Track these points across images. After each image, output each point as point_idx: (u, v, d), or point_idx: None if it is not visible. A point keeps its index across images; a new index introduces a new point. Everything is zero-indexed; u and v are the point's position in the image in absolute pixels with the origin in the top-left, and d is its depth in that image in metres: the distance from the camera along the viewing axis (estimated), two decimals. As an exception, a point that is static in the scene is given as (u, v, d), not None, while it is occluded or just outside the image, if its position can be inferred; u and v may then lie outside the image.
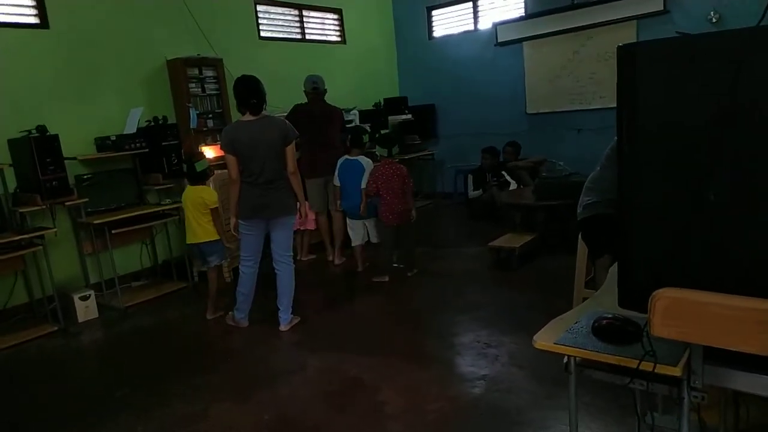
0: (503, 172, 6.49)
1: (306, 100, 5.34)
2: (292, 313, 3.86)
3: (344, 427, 2.61)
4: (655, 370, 1.26)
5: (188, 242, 4.25)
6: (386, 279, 4.69)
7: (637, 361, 1.28)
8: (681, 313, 1.13)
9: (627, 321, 1.51)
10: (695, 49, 1.10)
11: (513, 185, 6.31)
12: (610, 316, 1.54)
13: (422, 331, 3.69)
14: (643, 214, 1.18)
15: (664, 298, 1.13)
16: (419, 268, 4.89)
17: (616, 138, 2.99)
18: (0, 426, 2.91)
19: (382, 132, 5.27)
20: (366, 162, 4.91)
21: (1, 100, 4.29)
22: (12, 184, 4.30)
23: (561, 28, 6.78)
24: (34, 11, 4.56)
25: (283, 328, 3.80)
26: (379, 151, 4.88)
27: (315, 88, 5.29)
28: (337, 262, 5.41)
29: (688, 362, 1.33)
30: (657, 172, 1.15)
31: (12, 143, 4.28)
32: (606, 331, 1.50)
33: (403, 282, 4.69)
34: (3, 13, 4.40)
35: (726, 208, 1.09)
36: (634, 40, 6.30)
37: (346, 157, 4.97)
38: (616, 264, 2.08)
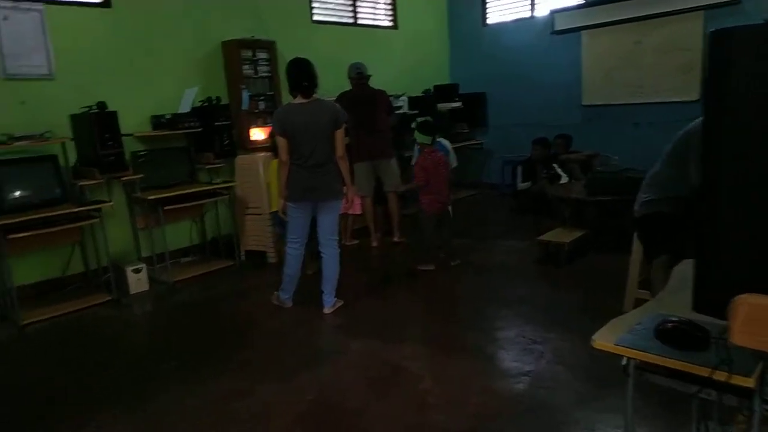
0: (554, 165, 6.31)
1: (350, 88, 5.37)
2: (335, 297, 3.88)
3: (385, 414, 2.60)
4: (728, 381, 1.18)
5: None
6: (432, 267, 4.65)
7: (709, 369, 1.20)
8: (764, 321, 1.05)
9: (694, 325, 1.43)
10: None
11: (564, 179, 6.13)
12: (675, 319, 1.47)
13: (466, 323, 3.65)
14: (728, 211, 1.10)
15: (747, 304, 1.05)
16: (462, 259, 4.83)
17: (680, 133, 2.88)
18: (52, 391, 3.04)
19: (421, 119, 5.17)
20: (447, 143, 5.49)
21: (66, 77, 4.44)
22: (73, 157, 4.46)
23: (623, 17, 6.51)
24: (98, -10, 4.69)
25: (326, 310, 3.83)
26: (420, 138, 4.68)
27: (359, 73, 5.30)
28: (396, 239, 5.51)
29: (762, 374, 1.25)
30: (746, 166, 1.06)
31: (74, 118, 4.43)
32: (671, 335, 1.43)
33: (447, 272, 4.65)
34: (69, -8, 4.54)
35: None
36: (701, 32, 6.02)
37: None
38: (681, 264, 1.99)
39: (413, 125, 4.99)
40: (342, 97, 5.12)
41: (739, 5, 5.73)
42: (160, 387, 2.94)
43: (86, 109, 4.27)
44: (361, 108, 5.13)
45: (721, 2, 5.82)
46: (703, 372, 1.24)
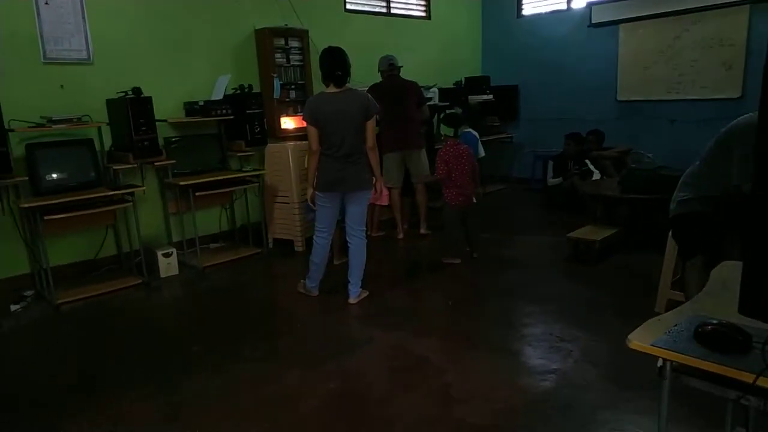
0: (587, 161, 6.20)
1: (381, 80, 5.36)
2: (361, 287, 3.88)
3: (409, 405, 2.59)
4: (772, 387, 1.13)
5: None
6: (458, 261, 4.63)
7: (752, 375, 1.16)
8: (816, 327, 1.00)
9: (736, 329, 1.38)
10: None
11: (596, 175, 6.02)
12: (715, 321, 1.42)
13: (492, 318, 3.61)
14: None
15: (798, 308, 1.01)
16: (490, 253, 4.79)
17: (723, 130, 2.79)
18: (84, 368, 3.12)
19: (448, 111, 5.22)
20: (475, 133, 5.94)
21: (102, 62, 4.51)
22: (108, 142, 4.54)
23: (663, 11, 6.32)
24: (135, -23, 4.75)
25: (352, 300, 3.83)
26: (444, 130, 4.71)
27: (391, 65, 5.32)
28: (423, 231, 5.50)
29: (808, 381, 1.20)
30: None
31: (110, 103, 4.51)
32: (711, 338, 1.38)
33: (474, 266, 4.61)
34: (108, -22, 4.61)
35: None
36: (746, 28, 5.85)
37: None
38: (720, 267, 1.93)
39: (441, 117, 5.01)
40: (373, 89, 5.10)
41: (789, -1, 5.51)
42: (188, 369, 2.99)
43: (122, 94, 4.34)
44: (392, 99, 5.11)
45: (768, -4, 5.61)
46: (746, 377, 1.19)
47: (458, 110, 5.61)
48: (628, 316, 3.05)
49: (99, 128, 4.43)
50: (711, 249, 2.85)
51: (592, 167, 6.09)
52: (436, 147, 5.85)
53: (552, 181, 6.52)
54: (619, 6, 6.73)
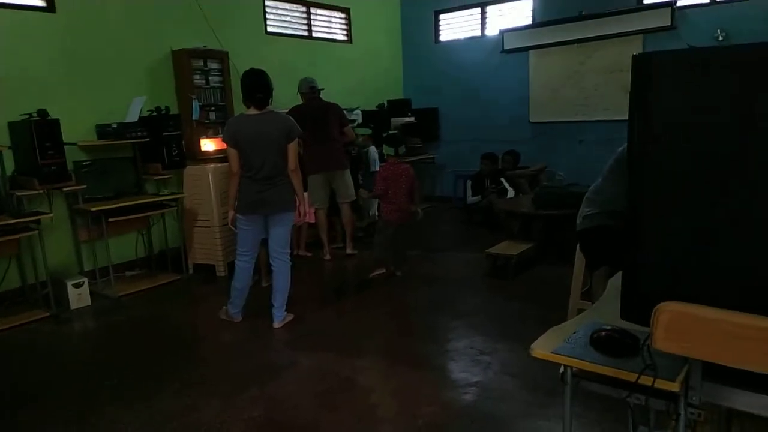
0: (502, 179, 6.50)
1: (301, 102, 5.40)
2: (286, 311, 3.84)
3: (335, 428, 2.59)
4: (654, 385, 1.24)
5: None
6: (383, 271, 4.79)
7: (636, 375, 1.26)
8: (684, 327, 1.12)
9: (625, 333, 1.50)
10: (711, 60, 1.09)
11: (510, 193, 6.31)
12: (608, 327, 1.53)
13: (416, 335, 3.68)
14: (651, 225, 1.17)
15: (668, 311, 1.12)
16: (413, 271, 4.89)
17: (619, 149, 3.02)
18: (-14, 410, 2.88)
19: (390, 132, 5.46)
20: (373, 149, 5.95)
21: (4, 82, 4.26)
22: (10, 167, 4.27)
23: (568, 39, 6.80)
24: (41, -6, 4.54)
25: (276, 325, 3.78)
26: (386, 150, 4.90)
27: (312, 88, 5.37)
28: (349, 252, 5.53)
29: (687, 378, 1.32)
30: (667, 183, 1.14)
31: (12, 126, 4.25)
32: (604, 343, 1.49)
33: (398, 283, 4.68)
34: (10, -5, 4.38)
35: (736, 222, 1.08)
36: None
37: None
38: (616, 276, 2.08)
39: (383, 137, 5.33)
40: (294, 111, 5.11)
41: (675, 30, 6.08)
42: (100, 406, 2.83)
43: (26, 117, 4.10)
44: (314, 121, 5.15)
45: (658, 27, 6.16)
46: (631, 377, 1.30)
47: (396, 133, 5.80)
48: (543, 327, 3.18)
49: (0, 152, 4.16)
50: (614, 260, 3.06)
51: (506, 185, 6.38)
52: (372, 170, 5.95)
53: (471, 199, 6.76)
54: (528, 34, 7.16)
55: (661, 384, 1.26)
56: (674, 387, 1.28)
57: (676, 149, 1.14)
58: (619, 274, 2.05)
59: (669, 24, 6.09)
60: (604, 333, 1.51)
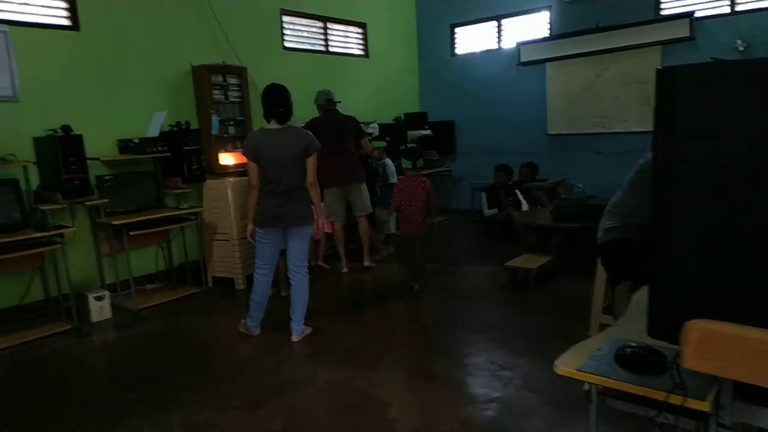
0: (516, 192, 6.48)
1: (318, 114, 5.44)
2: (304, 324, 3.84)
3: (353, 443, 2.57)
4: (684, 404, 1.21)
5: None
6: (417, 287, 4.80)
7: (665, 394, 1.24)
8: (714, 345, 1.09)
9: (651, 350, 1.47)
10: (736, 74, 1.07)
11: (524, 206, 6.27)
12: (634, 344, 1.51)
13: (434, 349, 3.65)
14: (678, 241, 1.15)
15: (697, 329, 1.09)
16: (431, 284, 4.87)
17: (640, 161, 2.99)
18: (8, 422, 2.91)
19: (408, 145, 5.69)
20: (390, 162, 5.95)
21: (30, 99, 4.36)
22: (35, 181, 4.35)
23: (585, 51, 6.77)
24: (66, 13, 4.65)
25: (294, 338, 3.78)
26: (404, 163, 4.95)
27: (329, 100, 5.41)
28: (366, 264, 5.53)
29: (717, 397, 1.29)
30: (694, 198, 1.12)
31: (37, 141, 4.34)
32: (630, 360, 1.47)
33: (415, 297, 4.66)
34: (37, 14, 4.49)
35: (766, 238, 1.06)
36: (659, 66, 6.30)
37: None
38: (640, 291, 2.05)
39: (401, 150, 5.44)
40: (311, 124, 5.14)
41: (694, 41, 6.03)
42: (119, 419, 2.85)
43: (51, 132, 4.19)
44: (330, 134, 5.17)
45: (677, 38, 6.11)
46: (660, 396, 1.27)
47: (414, 146, 5.90)
48: (564, 342, 3.13)
49: (25, 167, 4.24)
50: (636, 274, 3.01)
51: (520, 197, 6.35)
52: (391, 182, 5.95)
53: (488, 212, 6.72)
54: (544, 46, 7.15)
55: (691, 403, 1.23)
56: (704, 406, 1.25)
57: (702, 163, 1.12)
58: (644, 289, 2.02)
59: (688, 35, 6.04)
60: (629, 350, 1.48)
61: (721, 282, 1.13)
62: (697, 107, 1.09)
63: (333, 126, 5.28)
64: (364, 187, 5.50)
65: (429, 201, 4.75)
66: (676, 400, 1.24)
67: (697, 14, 6.05)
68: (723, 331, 1.08)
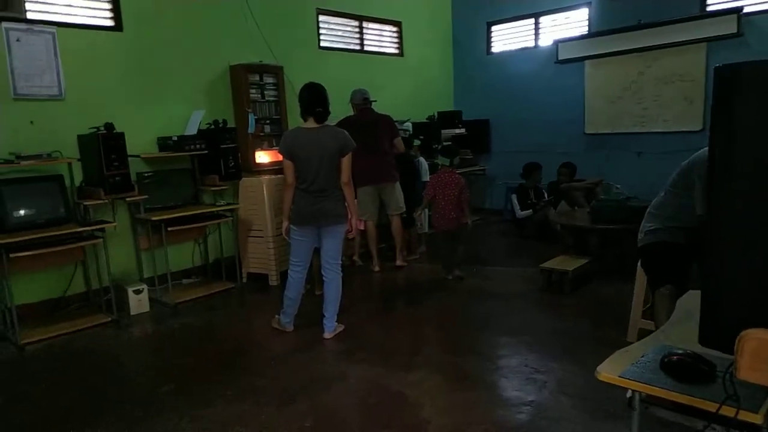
0: (544, 192, 6.45)
1: (353, 113, 5.44)
2: (337, 321, 3.85)
3: (385, 443, 2.56)
4: (736, 416, 1.16)
5: None
6: (450, 277, 5.03)
7: (716, 404, 1.18)
8: (772, 356, 1.04)
9: (700, 358, 1.42)
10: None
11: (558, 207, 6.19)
12: (680, 351, 1.45)
13: (468, 350, 3.61)
14: (735, 246, 1.09)
15: (755, 339, 1.04)
16: (465, 285, 4.83)
17: (684, 163, 2.89)
18: (47, 411, 3.00)
19: (445, 144, 5.98)
20: (423, 160, 6.09)
21: (75, 98, 4.49)
22: (79, 178, 4.48)
23: (626, 48, 6.59)
24: (110, 14, 4.78)
25: (327, 335, 3.80)
26: (441, 160, 5.20)
27: (365, 99, 5.40)
28: (399, 263, 5.55)
29: (770, 410, 1.23)
30: (754, 201, 1.06)
31: (81, 139, 4.47)
32: (676, 368, 1.41)
33: (449, 297, 4.63)
34: (81, 15, 4.62)
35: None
36: (704, 64, 6.13)
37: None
38: (685, 296, 1.98)
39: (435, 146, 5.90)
40: (345, 122, 5.13)
41: (742, 38, 5.80)
42: (157, 410, 2.91)
43: (94, 130, 4.31)
44: (365, 133, 5.15)
45: (723, 35, 5.89)
46: (710, 407, 1.22)
47: (451, 144, 6.18)
48: (601, 346, 3.08)
49: (69, 164, 4.38)
50: (678, 278, 2.92)
51: (546, 197, 6.31)
52: (424, 180, 5.94)
53: (522, 213, 6.62)
54: (584, 44, 7.00)
55: (744, 416, 1.18)
56: (757, 419, 1.20)
57: (761, 162, 1.07)
58: (691, 294, 1.96)
59: (735, 31, 5.82)
60: (676, 357, 1.43)
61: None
62: (758, 106, 1.03)
63: (368, 125, 5.27)
64: (398, 186, 5.48)
65: (462, 197, 4.86)
66: (727, 411, 1.19)
67: (746, 10, 5.82)
68: (782, 342, 1.03)
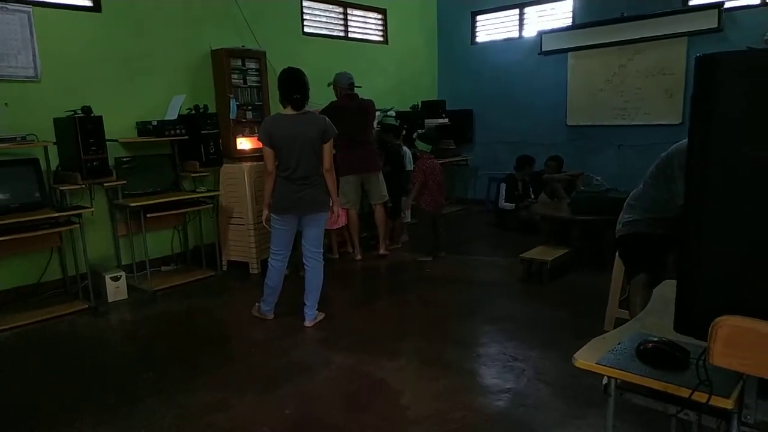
0: (529, 187, 6.56)
1: (336, 98, 5.35)
2: (317, 309, 3.85)
3: (365, 429, 2.57)
4: (708, 402, 1.19)
5: None
6: (430, 258, 5.29)
7: (689, 390, 1.21)
8: (744, 343, 1.06)
9: (675, 346, 1.44)
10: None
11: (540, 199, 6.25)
12: (656, 339, 1.48)
13: (448, 338, 3.64)
14: (710, 235, 1.11)
15: (728, 325, 1.06)
16: (447, 274, 4.87)
17: (663, 155, 2.93)
18: (20, 400, 2.96)
19: (422, 131, 6.12)
20: (407, 149, 6.06)
21: (51, 80, 4.39)
22: (54, 162, 4.39)
23: (608, 41, 6.64)
24: (87, -6, 4.66)
25: (308, 323, 3.79)
26: (421, 146, 5.40)
27: (352, 84, 5.32)
28: (381, 252, 5.54)
29: (741, 395, 1.26)
30: (730, 191, 1.08)
31: (57, 122, 4.37)
32: (652, 355, 1.44)
33: (430, 286, 4.66)
34: (58, -5, 4.51)
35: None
36: (685, 58, 6.19)
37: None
38: (661, 285, 2.01)
39: (414, 136, 5.97)
40: (331, 109, 5.07)
41: (722, 32, 5.88)
42: (135, 398, 2.88)
43: (71, 113, 4.22)
44: (352, 119, 5.11)
45: (704, 29, 5.96)
46: (683, 393, 1.24)
47: (430, 131, 6.25)
48: (579, 335, 3.10)
49: (45, 148, 4.27)
50: (654, 268, 2.97)
51: (531, 194, 6.45)
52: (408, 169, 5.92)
53: (504, 204, 6.65)
54: (567, 35, 7.03)
55: (715, 401, 1.21)
56: (728, 404, 1.22)
57: (740, 155, 1.08)
58: (666, 283, 1.99)
59: (716, 26, 5.89)
60: (651, 345, 1.45)
61: (754, 278, 1.09)
62: (739, 96, 1.04)
63: (355, 111, 5.20)
64: (381, 175, 5.47)
65: (442, 183, 5.32)
66: (699, 397, 1.21)
67: (727, 5, 5.89)
68: (755, 328, 1.05)
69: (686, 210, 1.14)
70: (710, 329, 1.08)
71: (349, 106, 5.21)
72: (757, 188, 1.06)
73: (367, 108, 5.34)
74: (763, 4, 5.81)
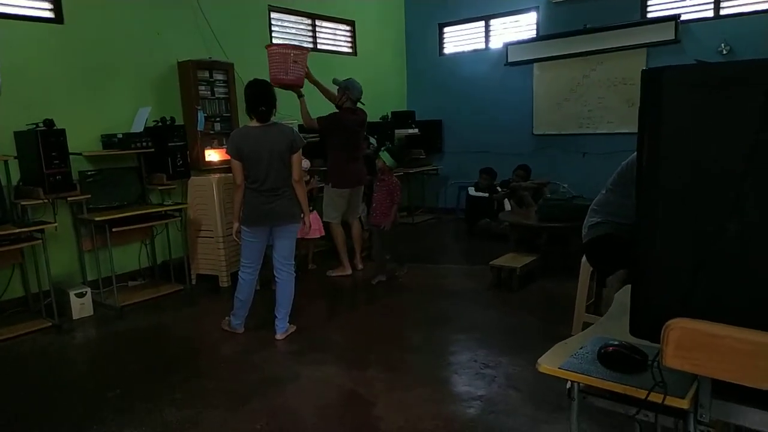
0: (494, 197, 6.63)
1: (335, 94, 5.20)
2: (289, 322, 3.82)
3: (337, 441, 2.56)
4: (663, 403, 1.22)
5: None
6: (384, 278, 5.04)
7: (646, 391, 1.25)
8: (695, 344, 1.10)
9: (634, 349, 1.48)
10: (725, 76, 1.08)
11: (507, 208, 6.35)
12: (616, 343, 1.52)
13: (419, 348, 3.65)
14: (661, 241, 1.16)
15: (678, 328, 1.10)
16: (416, 283, 4.90)
17: (623, 163, 3.02)
18: (-13, 421, 2.86)
19: (390, 145, 6.11)
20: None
21: (11, 93, 4.28)
22: (16, 176, 4.28)
23: (572, 52, 6.82)
24: (49, 5, 4.58)
25: (279, 336, 3.76)
26: (386, 158, 5.17)
27: (359, 99, 5.13)
28: (360, 267, 5.45)
29: (696, 395, 1.30)
30: (678, 199, 1.13)
31: (18, 135, 4.27)
32: (612, 359, 1.48)
33: (400, 296, 4.68)
34: (19, 6, 4.41)
35: (748, 241, 1.07)
36: (644, 68, 6.40)
37: None
38: (622, 290, 2.07)
39: (383, 149, 5.85)
40: (335, 119, 4.96)
41: (679, 44, 6.09)
42: (101, 418, 2.81)
43: (32, 126, 4.12)
44: (351, 134, 5.04)
45: (662, 41, 6.18)
46: (641, 394, 1.28)
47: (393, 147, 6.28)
48: (548, 340, 3.14)
49: (6, 162, 4.17)
50: (627, 264, 3.04)
51: (507, 202, 6.52)
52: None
53: (475, 192, 6.76)
54: (532, 47, 7.19)
55: (671, 401, 1.25)
56: (684, 404, 1.26)
57: (686, 164, 1.13)
58: (626, 288, 2.04)
59: (673, 38, 6.11)
60: (611, 348, 1.49)
61: (703, 283, 1.14)
62: (683, 110, 1.09)
63: (356, 126, 5.11)
64: (362, 189, 5.43)
65: (392, 196, 4.99)
66: (656, 398, 1.25)
67: (683, 18, 6.12)
68: (703, 330, 1.09)
69: (637, 217, 1.18)
70: (662, 332, 1.12)
71: (351, 120, 5.09)
72: (703, 196, 1.11)
73: (364, 122, 5.27)
74: (716, 16, 6.04)
